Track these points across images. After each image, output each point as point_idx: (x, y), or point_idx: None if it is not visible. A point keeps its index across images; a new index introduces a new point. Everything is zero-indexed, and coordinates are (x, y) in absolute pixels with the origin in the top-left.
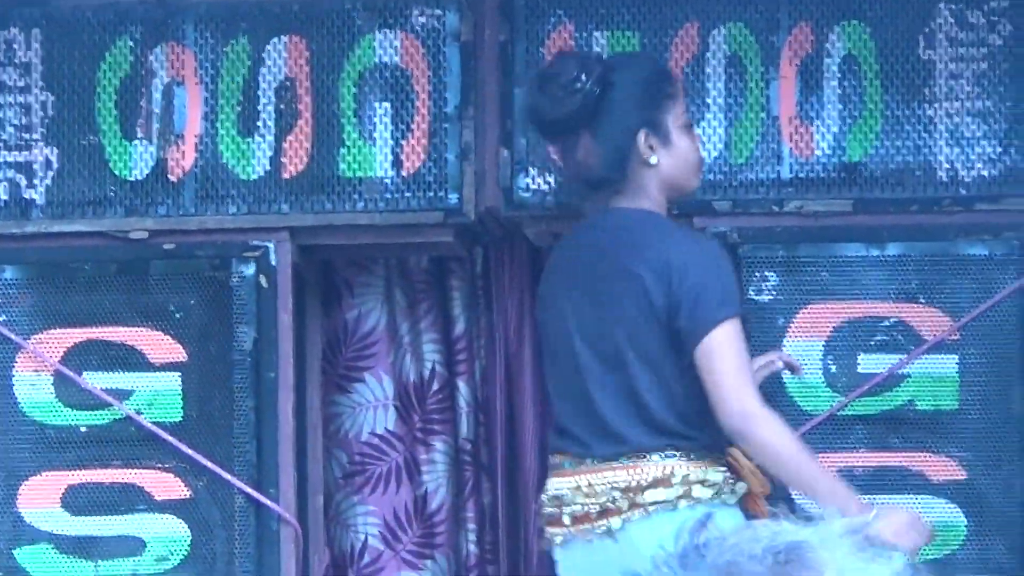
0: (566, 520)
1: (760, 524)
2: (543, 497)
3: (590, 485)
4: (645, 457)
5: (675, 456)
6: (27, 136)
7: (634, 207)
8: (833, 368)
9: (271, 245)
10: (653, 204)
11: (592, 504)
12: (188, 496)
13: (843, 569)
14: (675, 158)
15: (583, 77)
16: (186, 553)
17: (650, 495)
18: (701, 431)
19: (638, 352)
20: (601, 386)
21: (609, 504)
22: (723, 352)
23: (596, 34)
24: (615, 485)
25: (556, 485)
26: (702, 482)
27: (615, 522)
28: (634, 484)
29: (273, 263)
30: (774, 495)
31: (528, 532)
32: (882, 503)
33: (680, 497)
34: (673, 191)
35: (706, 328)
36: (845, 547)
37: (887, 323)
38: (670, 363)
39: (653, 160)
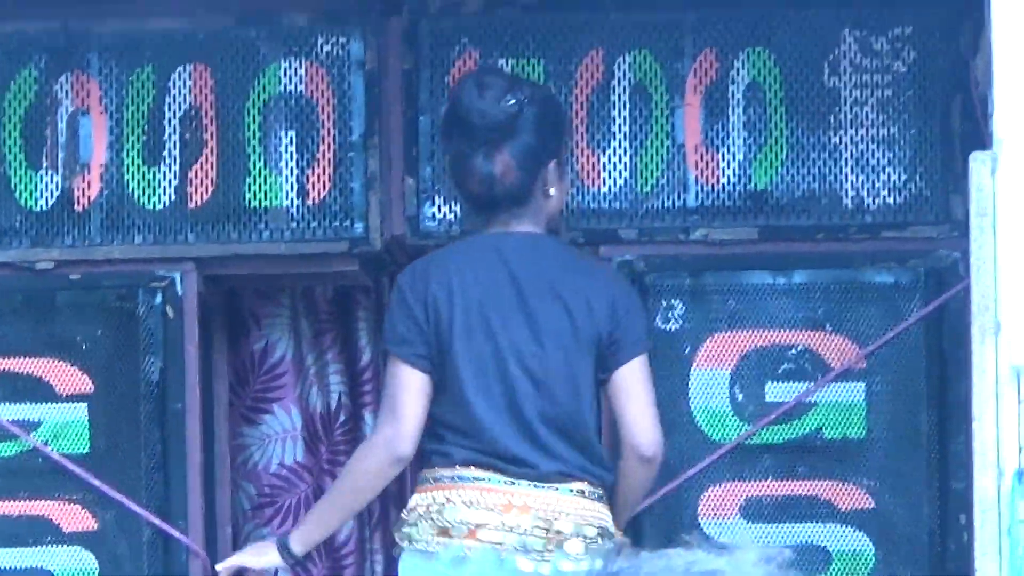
0: (482, 536)
1: (674, 553)
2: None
3: (525, 506)
4: (583, 493)
5: (596, 496)
6: None
7: (539, 232)
8: (740, 396)
9: (177, 275)
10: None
11: (523, 527)
12: (96, 528)
13: None
14: (560, 195)
15: (518, 93)
16: None
17: (588, 531)
18: (612, 467)
19: (570, 377)
20: (537, 408)
21: (539, 532)
22: (647, 377)
23: (501, 62)
24: (550, 513)
25: (479, 499)
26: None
27: (544, 554)
28: (572, 515)
29: (180, 293)
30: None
31: None
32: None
33: (598, 537)
34: (547, 226)
35: (636, 351)
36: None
37: (794, 351)
38: (593, 393)
39: (552, 192)
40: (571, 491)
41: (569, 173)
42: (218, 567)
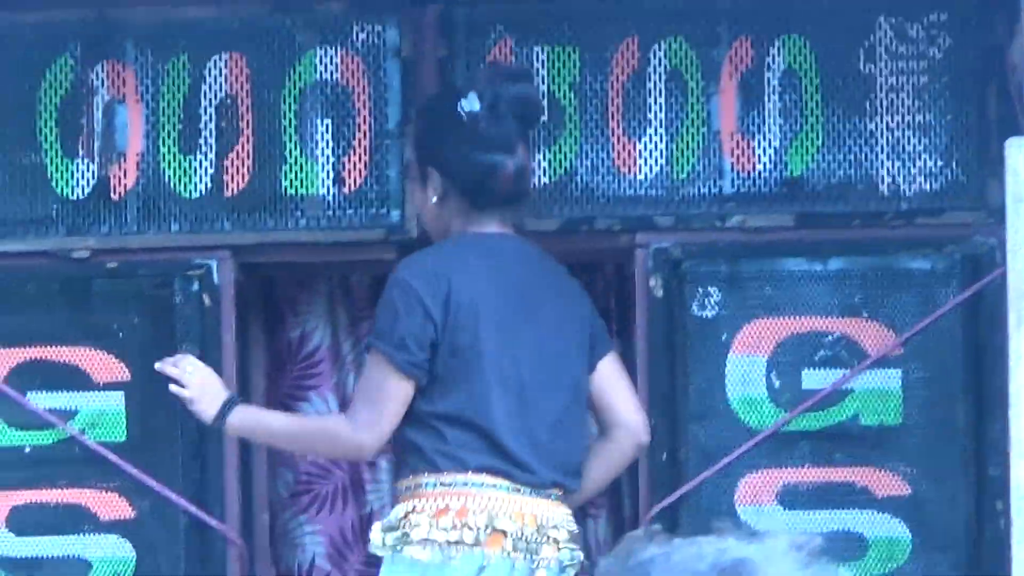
0: (502, 544)
1: (705, 541)
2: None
3: (532, 515)
4: (561, 498)
5: (565, 500)
6: None
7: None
8: (777, 384)
9: (214, 263)
10: None
11: (529, 535)
12: (133, 516)
13: None
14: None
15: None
16: (131, 573)
17: (573, 537)
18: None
19: (575, 379)
20: (543, 413)
21: (542, 540)
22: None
23: (536, 49)
24: (547, 520)
25: (496, 507)
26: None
27: (548, 561)
28: (562, 522)
29: (216, 281)
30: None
31: None
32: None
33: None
34: None
35: (609, 342)
36: (789, 563)
37: (830, 338)
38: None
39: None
40: (555, 497)
41: None
42: (157, 366)
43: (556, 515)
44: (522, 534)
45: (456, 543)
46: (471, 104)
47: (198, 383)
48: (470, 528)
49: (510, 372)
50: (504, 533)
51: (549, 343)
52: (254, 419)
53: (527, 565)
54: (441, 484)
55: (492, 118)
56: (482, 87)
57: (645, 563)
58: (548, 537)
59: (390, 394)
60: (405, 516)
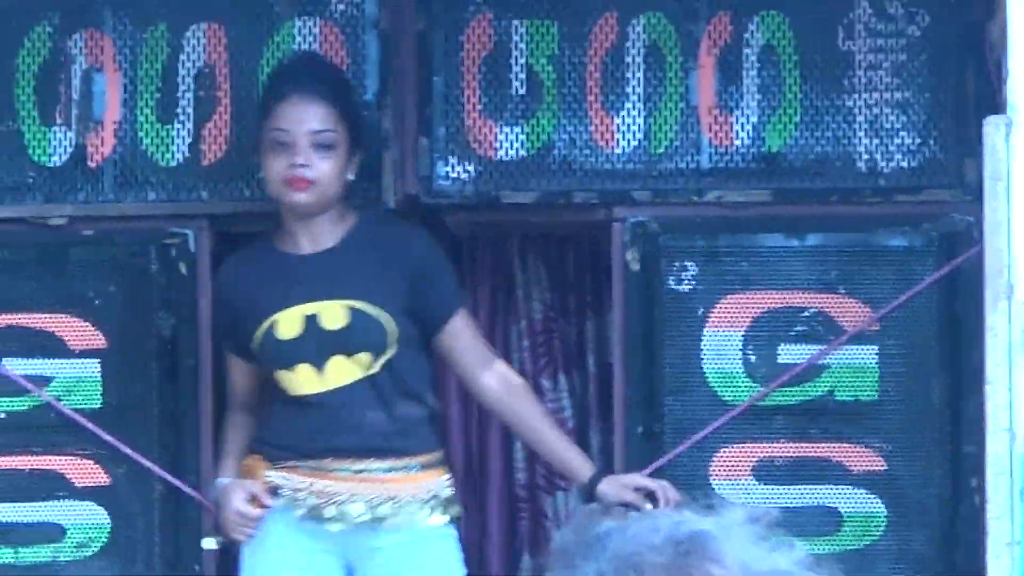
0: None
1: (661, 513)
2: None
3: None
4: None
5: None
6: None
7: None
8: (753, 358)
9: (190, 232)
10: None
11: None
12: (108, 483)
13: (744, 558)
14: (264, 173)
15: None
16: (106, 540)
17: None
18: None
19: None
20: None
21: None
22: None
23: (515, 23)
24: None
25: None
26: None
27: None
28: None
29: (192, 250)
30: None
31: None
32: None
33: None
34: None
35: None
36: (745, 536)
37: (807, 313)
38: None
39: (262, 173)
40: None
41: (268, 151)
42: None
43: None
44: None
45: None
46: None
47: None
48: None
49: None
50: None
51: None
52: None
53: None
54: None
55: None
56: None
57: (601, 536)
58: None
59: None
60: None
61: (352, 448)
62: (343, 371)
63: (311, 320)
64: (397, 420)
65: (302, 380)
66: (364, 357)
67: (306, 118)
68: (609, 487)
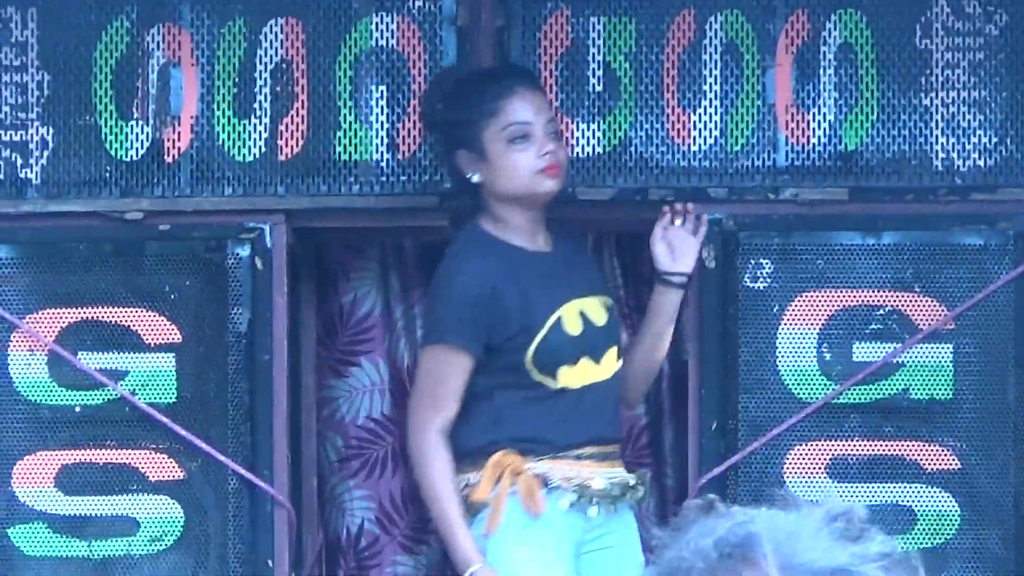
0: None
1: (737, 511)
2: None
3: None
4: None
5: None
6: (23, 115)
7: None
8: (828, 356)
9: (267, 227)
10: (490, 218)
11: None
12: (182, 477)
13: (790, 559)
14: (495, 172)
15: (431, 97)
16: (180, 534)
17: None
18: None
19: None
20: None
21: None
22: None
23: (592, 20)
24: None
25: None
26: None
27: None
28: None
29: (268, 245)
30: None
31: None
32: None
33: None
34: (513, 201)
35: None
36: (815, 534)
37: (882, 312)
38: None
39: (475, 178)
40: None
41: (509, 147)
42: None
43: None
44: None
45: None
46: None
47: None
48: None
49: None
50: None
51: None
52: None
53: None
54: None
55: None
56: None
57: (665, 539)
58: None
59: None
60: None
61: (606, 437)
62: (612, 363)
63: (583, 315)
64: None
65: (579, 374)
66: (619, 350)
67: (541, 107)
68: None
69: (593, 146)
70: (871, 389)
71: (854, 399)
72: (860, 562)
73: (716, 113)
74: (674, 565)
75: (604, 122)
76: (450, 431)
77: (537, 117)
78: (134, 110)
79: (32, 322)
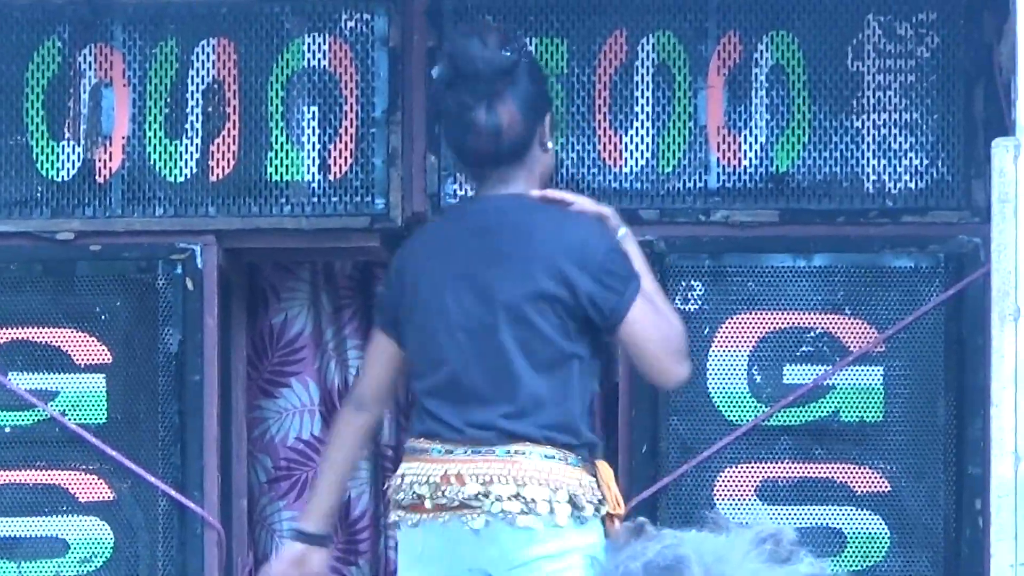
0: (428, 505)
1: (668, 534)
2: (403, 480)
3: (459, 475)
4: (524, 453)
5: (554, 458)
6: None
7: (526, 194)
8: (758, 378)
9: (198, 248)
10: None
11: (460, 494)
12: (112, 498)
13: None
14: (551, 154)
15: (515, 42)
16: (109, 555)
17: (529, 493)
18: (580, 433)
19: (522, 343)
20: (487, 369)
21: (481, 497)
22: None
23: (524, 40)
24: (488, 477)
25: (424, 471)
26: (581, 493)
27: (478, 520)
28: (510, 479)
29: (199, 266)
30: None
31: None
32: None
33: (554, 504)
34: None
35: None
36: (744, 555)
37: (813, 334)
38: (566, 355)
39: (549, 145)
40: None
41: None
42: None
43: (496, 470)
44: (447, 493)
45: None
46: (436, 72)
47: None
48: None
49: (443, 333)
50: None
51: (494, 294)
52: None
53: (459, 523)
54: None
55: (446, 83)
56: (443, 53)
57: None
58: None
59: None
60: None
61: None
62: None
63: None
64: None
65: None
66: None
67: None
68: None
69: None
70: (801, 411)
71: (784, 421)
72: None
73: (648, 135)
74: None
75: None
76: None
77: None
78: (66, 130)
79: None
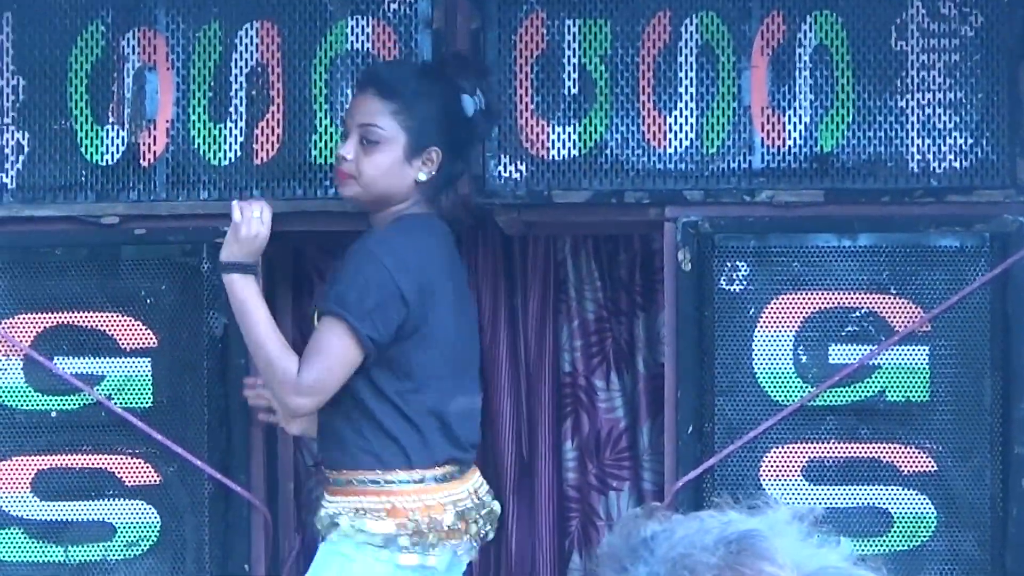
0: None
1: (707, 514)
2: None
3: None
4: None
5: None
6: None
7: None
8: (804, 358)
9: None
10: None
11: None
12: (158, 482)
13: (795, 555)
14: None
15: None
16: (156, 539)
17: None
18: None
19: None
20: (476, 394)
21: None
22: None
23: (568, 22)
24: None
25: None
26: None
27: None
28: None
29: None
30: None
31: (507, 528)
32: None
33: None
34: None
35: None
36: (794, 534)
37: (858, 314)
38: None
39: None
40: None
41: None
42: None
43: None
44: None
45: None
46: (471, 107)
47: (252, 232)
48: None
49: (461, 356)
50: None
51: (470, 327)
52: (252, 299)
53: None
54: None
55: (486, 120)
56: (472, 89)
57: (648, 540)
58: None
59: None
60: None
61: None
62: None
63: None
64: None
65: None
66: None
67: (366, 111)
68: None
69: (569, 149)
70: (847, 391)
71: (830, 401)
72: (849, 564)
73: (692, 115)
74: (678, 563)
75: (580, 125)
76: None
77: (352, 119)
78: (110, 114)
79: (7, 327)
